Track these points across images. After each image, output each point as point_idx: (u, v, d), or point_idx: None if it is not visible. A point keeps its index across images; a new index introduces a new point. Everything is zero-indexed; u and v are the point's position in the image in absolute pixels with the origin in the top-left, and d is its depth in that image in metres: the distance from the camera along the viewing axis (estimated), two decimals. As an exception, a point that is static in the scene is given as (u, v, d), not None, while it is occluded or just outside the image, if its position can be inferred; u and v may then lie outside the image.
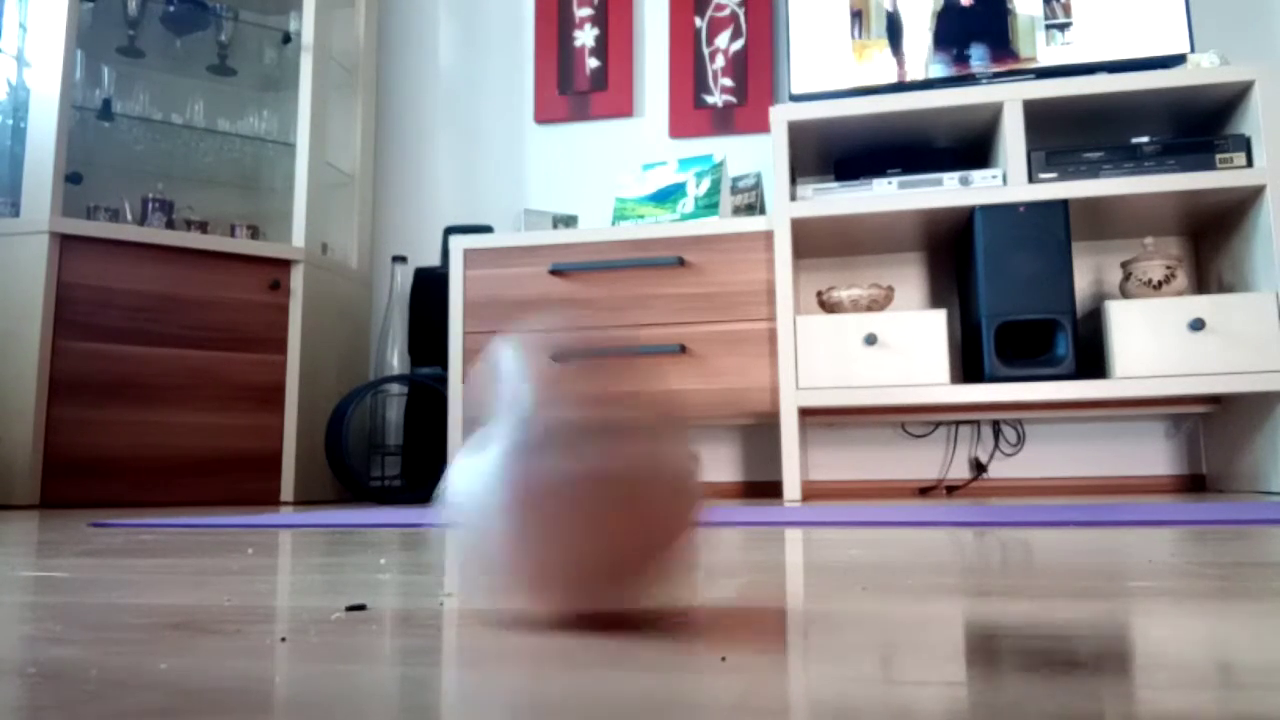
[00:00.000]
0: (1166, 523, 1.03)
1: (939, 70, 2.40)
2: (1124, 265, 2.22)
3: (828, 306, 2.32)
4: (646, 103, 2.91)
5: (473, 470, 0.40)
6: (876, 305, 2.28)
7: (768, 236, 2.25)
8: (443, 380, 2.53)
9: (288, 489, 2.55)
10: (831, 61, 2.45)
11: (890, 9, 2.44)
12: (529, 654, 0.32)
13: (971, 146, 2.45)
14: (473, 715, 0.24)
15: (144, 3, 2.70)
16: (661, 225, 2.32)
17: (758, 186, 2.61)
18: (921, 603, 0.43)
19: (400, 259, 2.88)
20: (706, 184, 2.41)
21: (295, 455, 2.57)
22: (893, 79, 2.42)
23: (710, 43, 2.86)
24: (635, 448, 0.39)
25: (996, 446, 2.51)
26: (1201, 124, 2.34)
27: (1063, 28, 2.34)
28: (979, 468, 2.51)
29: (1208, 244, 2.37)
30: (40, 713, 0.24)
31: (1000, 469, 2.50)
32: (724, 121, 2.82)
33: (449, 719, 0.23)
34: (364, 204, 2.98)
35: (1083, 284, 2.47)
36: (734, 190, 2.63)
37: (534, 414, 0.40)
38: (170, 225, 2.64)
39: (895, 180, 2.20)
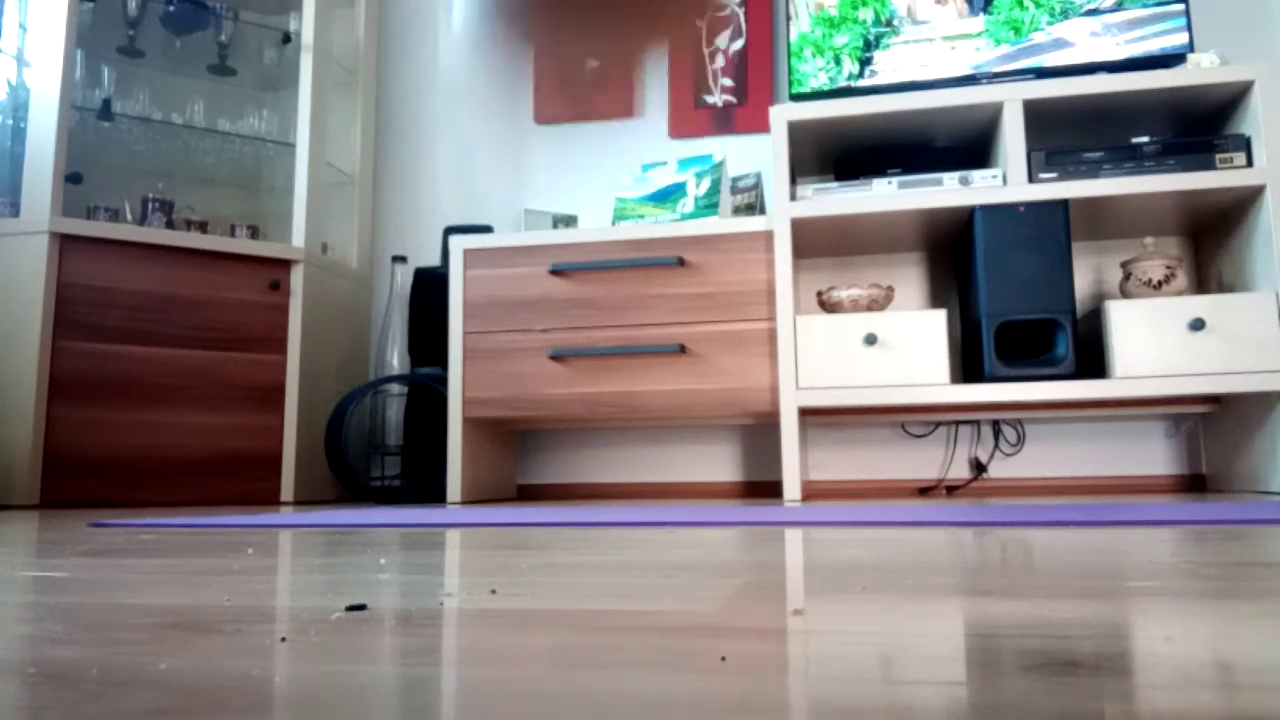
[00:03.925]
0: (1166, 523, 1.03)
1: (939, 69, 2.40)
2: (1124, 265, 2.22)
3: (828, 306, 2.31)
4: (646, 103, 2.91)
5: None
6: (876, 305, 2.28)
7: (768, 236, 2.25)
8: (443, 380, 2.53)
9: (288, 489, 2.55)
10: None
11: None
12: (529, 654, 0.32)
13: (971, 146, 2.45)
14: (472, 715, 0.24)
15: (144, 3, 2.70)
16: (661, 225, 2.32)
17: (758, 186, 2.61)
18: (921, 603, 0.43)
19: (400, 259, 2.87)
20: (706, 184, 2.41)
21: (295, 455, 2.57)
22: (893, 79, 2.42)
23: (710, 43, 2.86)
24: None
25: (996, 446, 2.51)
26: (1201, 124, 2.34)
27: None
28: (979, 468, 2.51)
29: (1208, 244, 2.37)
30: (40, 713, 0.24)
31: (1000, 469, 2.50)
32: (724, 121, 2.82)
33: (449, 719, 0.23)
34: (364, 204, 2.98)
35: (1083, 284, 2.47)
36: (734, 190, 2.63)
37: None
38: (170, 225, 2.64)
39: (895, 180, 2.20)
